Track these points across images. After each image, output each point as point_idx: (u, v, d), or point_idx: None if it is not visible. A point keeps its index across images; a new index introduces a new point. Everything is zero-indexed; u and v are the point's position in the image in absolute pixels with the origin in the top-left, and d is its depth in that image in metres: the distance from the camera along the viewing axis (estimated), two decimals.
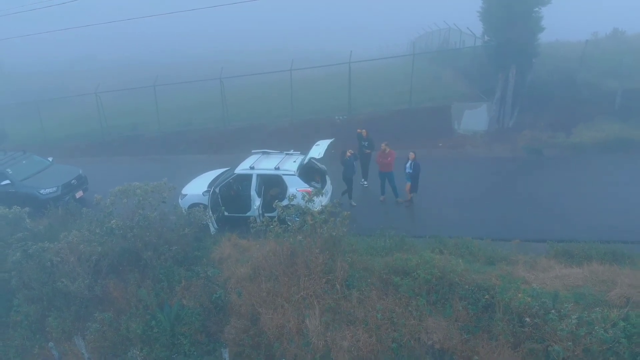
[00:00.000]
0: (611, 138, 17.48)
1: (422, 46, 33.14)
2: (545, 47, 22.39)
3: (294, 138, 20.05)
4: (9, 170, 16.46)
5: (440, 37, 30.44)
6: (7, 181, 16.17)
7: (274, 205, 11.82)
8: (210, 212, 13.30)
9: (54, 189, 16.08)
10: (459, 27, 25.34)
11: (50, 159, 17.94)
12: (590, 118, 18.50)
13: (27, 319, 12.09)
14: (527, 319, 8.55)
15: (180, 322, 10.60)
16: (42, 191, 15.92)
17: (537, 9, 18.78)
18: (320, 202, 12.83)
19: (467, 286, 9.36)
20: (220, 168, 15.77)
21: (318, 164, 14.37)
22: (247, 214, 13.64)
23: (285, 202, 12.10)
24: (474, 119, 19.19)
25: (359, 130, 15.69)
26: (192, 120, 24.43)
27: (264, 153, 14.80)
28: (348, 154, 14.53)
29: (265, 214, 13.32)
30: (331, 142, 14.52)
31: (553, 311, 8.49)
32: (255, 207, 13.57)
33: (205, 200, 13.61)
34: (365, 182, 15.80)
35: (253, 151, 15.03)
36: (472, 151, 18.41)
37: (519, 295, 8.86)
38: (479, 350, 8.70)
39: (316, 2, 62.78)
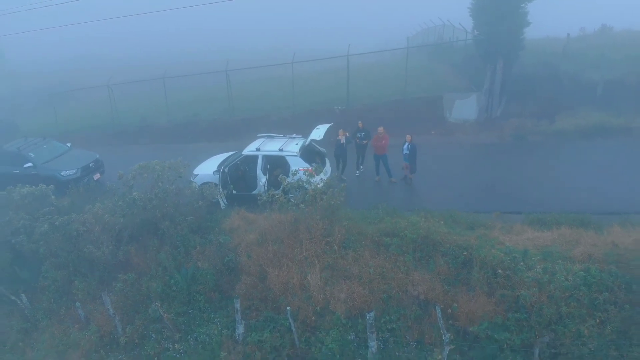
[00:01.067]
0: (591, 125, 18.75)
1: (418, 42, 34.38)
2: (534, 42, 23.68)
3: (295, 126, 21.31)
4: (31, 154, 17.78)
5: (436, 33, 31.72)
6: (30, 164, 17.48)
7: (279, 179, 13.14)
8: (221, 189, 14.63)
9: (74, 171, 17.38)
10: (452, 23, 26.65)
11: (68, 144, 19.24)
12: (572, 107, 19.79)
13: (54, 284, 13.43)
14: (500, 271, 9.86)
15: (195, 282, 11.91)
16: (62, 173, 17.22)
17: (523, 5, 20.06)
18: (320, 179, 14.17)
19: (448, 245, 10.69)
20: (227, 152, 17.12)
21: (318, 146, 15.72)
22: (253, 192, 14.96)
23: (289, 181, 13.44)
24: (464, 108, 20.50)
25: (360, 125, 16.79)
26: (199, 112, 25.68)
27: (268, 137, 16.12)
28: (340, 135, 15.88)
29: (270, 191, 14.59)
30: (330, 126, 15.85)
31: (522, 264, 9.80)
32: (261, 185, 14.88)
33: (215, 179, 14.93)
34: (362, 168, 17.00)
35: (258, 135, 16.36)
36: (463, 138, 19.71)
37: (493, 251, 10.18)
38: (459, 299, 10.00)
39: (312, 2, 63.74)
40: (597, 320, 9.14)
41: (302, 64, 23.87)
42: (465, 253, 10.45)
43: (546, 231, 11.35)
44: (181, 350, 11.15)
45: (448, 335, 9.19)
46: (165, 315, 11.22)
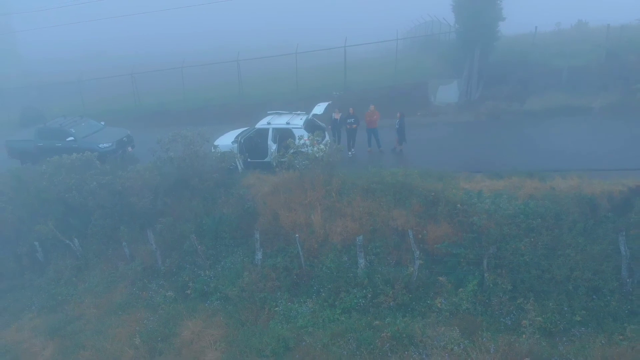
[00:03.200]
0: (557, 106, 21.63)
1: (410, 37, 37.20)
2: (514, 37, 26.60)
3: (298, 108, 24.20)
4: (72, 129, 20.70)
5: (426, 28, 34.63)
6: (72, 138, 20.40)
7: (287, 142, 16.07)
8: (239, 156, 17.59)
9: (110, 144, 20.31)
10: (439, 18, 29.57)
11: (102, 122, 22.15)
12: (541, 91, 22.69)
13: (102, 230, 16.38)
14: (459, 205, 12.80)
15: (222, 223, 14.86)
16: (100, 145, 20.12)
17: (498, 1, 23.02)
18: (321, 147, 17.10)
19: (420, 189, 13.64)
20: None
21: (319, 121, 18.67)
22: (265, 159, 17.92)
23: (294, 149, 16.42)
24: (447, 93, 23.44)
25: (351, 111, 19.42)
26: (212, 98, 28.57)
27: (277, 113, 19.06)
28: (336, 114, 18.82)
29: (280, 159, 17.53)
30: (329, 104, 18.80)
31: (475, 199, 12.75)
32: (271, 153, 17.82)
33: (234, 148, 17.87)
34: (353, 150, 19.52)
35: (268, 112, 19.30)
36: (445, 118, 22.61)
37: (454, 191, 13.12)
38: (427, 228, 12.94)
39: (312, 2, 65.84)
40: (532, 239, 12.06)
41: (304, 58, 26.74)
42: (433, 194, 13.40)
43: (500, 180, 14.30)
44: (211, 275, 14.09)
45: (418, 253, 12.14)
46: (199, 247, 14.16)
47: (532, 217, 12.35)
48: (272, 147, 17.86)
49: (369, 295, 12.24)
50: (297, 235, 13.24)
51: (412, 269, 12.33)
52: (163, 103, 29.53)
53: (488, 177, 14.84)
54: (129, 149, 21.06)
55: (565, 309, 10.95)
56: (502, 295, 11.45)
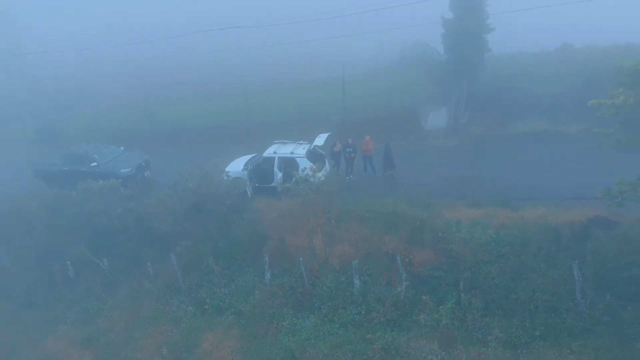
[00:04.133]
0: (537, 131, 23.69)
1: (408, 54, 38.91)
2: (498, 59, 28.52)
3: (301, 130, 26.25)
4: (95, 155, 22.75)
5: (420, 49, 36.57)
6: (95, 163, 22.45)
7: (292, 174, 18.17)
8: (248, 183, 19.69)
9: (130, 168, 22.35)
10: (431, 42, 31.63)
11: (121, 147, 24.19)
12: (523, 116, 24.74)
13: (128, 251, 18.42)
14: (440, 234, 14.88)
15: (235, 246, 16.93)
16: (121, 170, 22.17)
17: (483, 35, 25.09)
18: (321, 175, 19.24)
19: (408, 217, 15.72)
20: (247, 154, 22.11)
21: (319, 150, 20.77)
22: (271, 185, 20.02)
23: (298, 176, 18.54)
24: (437, 118, 25.51)
25: (350, 142, 21.25)
26: (222, 118, 30.22)
27: (282, 142, 21.13)
28: (337, 148, 20.93)
29: (284, 184, 19.63)
30: (328, 135, 20.88)
31: (454, 229, 14.83)
32: (277, 179, 19.90)
33: (243, 175, 19.99)
34: (351, 177, 21.38)
35: (275, 141, 21.36)
36: (435, 142, 24.66)
37: (437, 221, 15.21)
38: (414, 253, 15.03)
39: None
40: (501, 264, 14.13)
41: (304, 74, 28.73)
42: (418, 222, 15.49)
43: (477, 209, 16.40)
44: (226, 292, 16.15)
45: (405, 275, 14.23)
46: (216, 267, 16.24)
47: (502, 245, 14.43)
48: (278, 174, 19.95)
49: (363, 312, 14.33)
50: (301, 258, 15.32)
51: (399, 289, 14.41)
52: (177, 120, 31.04)
53: (467, 206, 16.95)
54: (147, 173, 23.11)
55: (527, 325, 13.03)
56: (475, 312, 13.53)
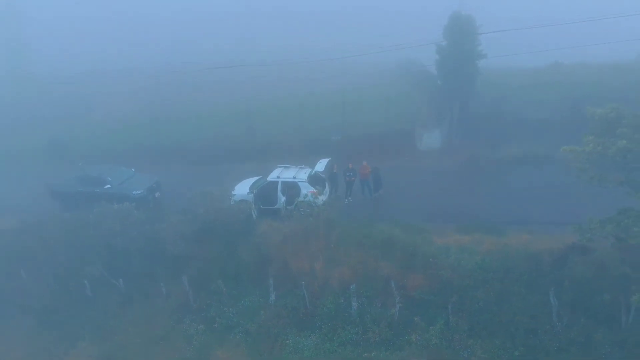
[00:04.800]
0: (524, 154, 25.04)
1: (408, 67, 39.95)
2: (490, 74, 29.73)
3: (302, 151, 27.63)
4: (109, 177, 24.10)
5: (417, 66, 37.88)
6: (109, 185, 23.79)
7: (294, 201, 19.59)
8: (253, 205, 21.08)
9: (142, 190, 23.68)
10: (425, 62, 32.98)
11: (132, 169, 25.51)
12: (512, 139, 26.07)
13: (142, 271, 19.77)
14: (431, 259, 16.25)
15: (241, 268, 18.29)
16: (134, 192, 23.49)
17: (476, 61, 26.48)
18: (322, 199, 20.68)
19: (402, 243, 17.09)
20: (252, 176, 23.44)
21: (321, 174, 22.18)
22: (275, 207, 21.41)
23: (300, 199, 20.00)
24: (431, 140, 26.88)
25: (350, 166, 22.69)
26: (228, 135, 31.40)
27: (285, 167, 22.51)
28: (335, 169, 22.37)
29: (287, 207, 21.09)
30: (329, 161, 22.27)
31: (444, 255, 16.21)
32: (280, 202, 21.29)
33: (249, 197, 21.38)
34: (350, 199, 22.74)
35: (278, 165, 22.72)
36: (428, 163, 25.96)
37: (429, 248, 16.58)
38: (407, 277, 16.40)
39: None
40: (486, 289, 15.50)
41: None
42: (411, 248, 16.86)
43: (466, 235, 17.78)
44: (234, 312, 17.51)
45: (398, 298, 15.61)
46: (224, 288, 17.60)
47: (487, 270, 15.83)
48: (282, 198, 21.33)
49: (360, 332, 15.73)
50: (303, 282, 16.70)
51: (394, 310, 15.80)
52: (182, 137, 32.23)
53: (457, 231, 18.34)
54: (157, 194, 24.45)
55: (508, 345, 14.44)
56: (462, 333, 14.93)
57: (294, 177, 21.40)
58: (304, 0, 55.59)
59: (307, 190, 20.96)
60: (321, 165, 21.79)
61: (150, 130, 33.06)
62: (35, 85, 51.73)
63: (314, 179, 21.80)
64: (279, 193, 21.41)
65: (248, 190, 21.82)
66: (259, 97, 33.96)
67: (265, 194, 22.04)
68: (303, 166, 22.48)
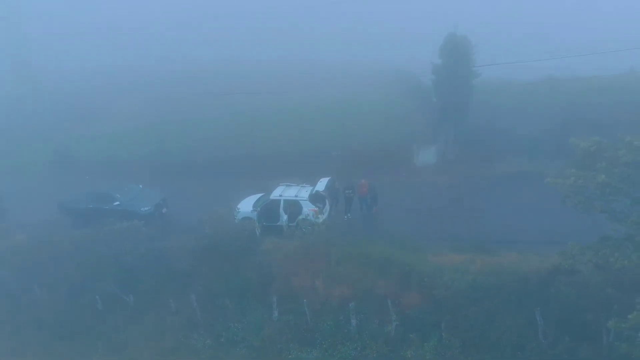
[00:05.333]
0: (517, 171, 26.01)
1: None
2: (484, 89, 30.64)
3: (303, 165, 28.57)
4: (117, 194, 25.08)
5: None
6: (118, 202, 24.78)
7: (296, 219, 20.61)
8: (256, 223, 22.07)
9: (150, 207, 24.67)
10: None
11: (140, 185, 26.48)
12: (505, 156, 27.06)
13: (151, 287, 20.73)
14: (425, 279, 17.22)
15: (246, 285, 19.25)
16: (142, 209, 24.49)
17: (471, 80, 27.46)
18: (322, 217, 21.75)
19: (398, 262, 18.06)
20: (254, 192, 24.43)
21: (322, 193, 23.18)
22: (277, 224, 22.41)
23: (301, 217, 21.05)
24: (427, 156, 27.88)
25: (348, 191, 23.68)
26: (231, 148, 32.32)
27: (287, 185, 23.47)
28: (336, 185, 23.37)
29: (289, 224, 22.11)
30: (329, 179, 23.25)
31: (438, 275, 17.17)
32: (283, 220, 22.29)
33: (253, 215, 22.39)
34: (349, 215, 23.78)
35: (280, 184, 23.69)
36: (425, 178, 26.97)
37: (423, 267, 17.56)
38: (403, 295, 17.37)
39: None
40: (477, 308, 16.46)
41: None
42: (407, 268, 17.84)
43: (460, 254, 18.76)
44: (239, 327, 18.47)
45: (395, 316, 16.59)
46: (230, 305, 18.57)
47: (478, 290, 16.77)
48: (284, 216, 22.33)
49: (359, 348, 16.69)
50: (305, 300, 17.67)
51: (390, 328, 16.78)
52: (186, 150, 33.12)
53: (451, 250, 19.31)
54: (164, 210, 25.43)
55: None
56: (454, 350, 15.90)
57: (296, 196, 22.39)
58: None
59: (308, 208, 21.99)
60: (322, 184, 22.76)
61: (154, 143, 34.09)
62: (39, 91, 51.98)
63: (315, 198, 22.78)
64: (282, 211, 22.39)
65: (252, 208, 22.82)
66: (260, 111, 35.03)
67: (268, 211, 23.01)
68: (304, 184, 23.46)
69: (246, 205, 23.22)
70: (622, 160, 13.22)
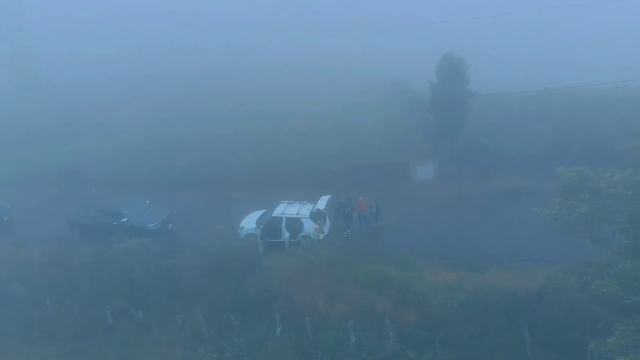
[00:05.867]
0: (511, 188, 26.92)
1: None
2: (480, 103, 31.64)
3: (304, 180, 29.57)
4: (125, 211, 26.02)
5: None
6: (126, 219, 25.72)
7: (297, 236, 21.62)
8: (260, 239, 23.06)
9: (157, 223, 25.62)
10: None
11: (147, 201, 27.42)
12: (500, 173, 28.01)
13: (159, 302, 21.67)
14: (421, 297, 18.19)
15: (250, 302, 20.20)
16: (149, 225, 25.44)
17: (467, 99, 28.45)
18: (323, 233, 22.82)
19: (395, 281, 19.03)
20: (256, 206, 25.43)
21: (322, 210, 24.15)
22: (279, 240, 23.40)
23: (302, 234, 22.09)
24: (424, 172, 28.83)
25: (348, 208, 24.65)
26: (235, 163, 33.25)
27: (289, 203, 24.44)
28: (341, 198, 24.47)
29: (291, 240, 23.11)
30: (330, 197, 24.23)
31: (432, 294, 18.15)
32: (285, 236, 23.28)
33: (256, 232, 23.38)
34: (349, 231, 24.78)
35: (282, 201, 24.66)
36: (422, 194, 27.77)
37: (419, 287, 18.53)
38: (400, 312, 18.34)
39: None
40: (469, 325, 17.43)
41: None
42: (404, 287, 18.81)
43: (453, 272, 19.75)
44: (244, 342, 19.41)
45: (391, 334, 17.56)
46: (235, 320, 19.52)
47: (471, 308, 17.77)
48: (286, 233, 23.32)
49: None
50: (306, 317, 18.64)
51: (388, 344, 17.75)
52: (190, 165, 34.04)
53: (446, 268, 20.35)
54: (170, 225, 26.36)
55: None
56: None
57: (297, 213, 23.39)
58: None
59: (309, 226, 23.02)
60: (322, 202, 23.75)
61: (158, 156, 34.94)
62: (43, 99, 52.28)
63: (315, 215, 23.75)
64: (284, 228, 23.38)
65: (255, 225, 23.82)
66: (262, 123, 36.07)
67: (270, 228, 23.99)
68: (305, 202, 24.43)
69: (249, 222, 24.20)
70: (603, 192, 14.16)
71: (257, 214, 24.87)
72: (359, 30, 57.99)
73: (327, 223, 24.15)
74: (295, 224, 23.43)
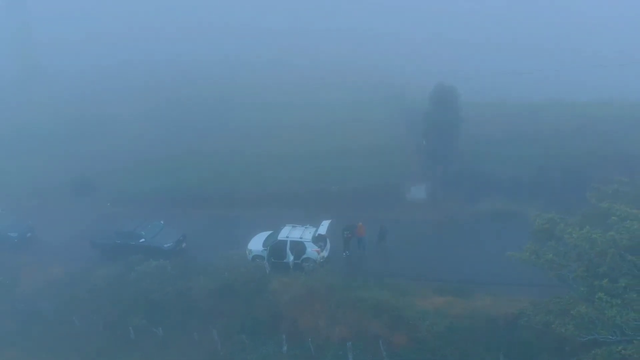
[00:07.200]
0: (499, 210, 29.08)
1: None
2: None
3: (306, 199, 31.82)
4: (142, 232, 28.26)
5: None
6: (143, 239, 27.99)
7: (301, 257, 23.99)
8: (266, 261, 25.40)
9: (172, 243, 27.90)
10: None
11: (161, 222, 29.63)
12: (488, 196, 30.16)
13: (176, 321, 24.02)
14: (411, 322, 20.52)
15: (258, 321, 22.55)
16: (164, 245, 27.71)
17: (458, 125, 30.54)
18: (324, 255, 25.18)
19: (388, 306, 21.35)
20: (262, 226, 27.74)
21: (323, 235, 26.41)
22: (284, 261, 25.73)
23: (305, 256, 24.47)
24: (418, 193, 31.03)
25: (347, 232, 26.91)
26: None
27: (293, 226, 26.70)
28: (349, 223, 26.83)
29: (295, 261, 25.45)
30: (330, 222, 26.47)
31: (421, 319, 20.47)
32: (289, 258, 25.60)
33: (263, 253, 25.72)
34: (348, 252, 27.04)
35: (286, 225, 26.91)
36: (415, 215, 29.97)
37: (409, 312, 20.87)
38: (394, 336, 20.67)
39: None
40: (453, 348, 19.77)
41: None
42: (396, 312, 21.14)
43: (441, 297, 22.07)
44: (254, 359, 21.82)
45: (385, 353, 19.92)
46: (245, 340, 21.91)
47: (455, 332, 20.10)
48: (290, 255, 25.64)
49: None
50: (309, 338, 21.02)
51: None
52: (197, 181, 36.14)
53: (435, 293, 22.64)
54: (183, 245, 28.64)
55: None
56: None
57: (301, 237, 25.71)
58: None
59: (311, 248, 25.35)
60: (323, 227, 26.01)
61: (168, 175, 36.92)
62: (54, 105, 53.67)
63: (317, 239, 26.04)
64: (288, 250, 25.70)
65: (262, 247, 26.16)
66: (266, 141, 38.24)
67: (276, 250, 26.25)
68: (308, 225, 26.71)
69: (256, 244, 26.51)
70: (567, 242, 16.38)
71: (263, 235, 27.15)
72: (360, 40, 60.76)
73: (328, 246, 26.42)
74: (298, 246, 25.72)
